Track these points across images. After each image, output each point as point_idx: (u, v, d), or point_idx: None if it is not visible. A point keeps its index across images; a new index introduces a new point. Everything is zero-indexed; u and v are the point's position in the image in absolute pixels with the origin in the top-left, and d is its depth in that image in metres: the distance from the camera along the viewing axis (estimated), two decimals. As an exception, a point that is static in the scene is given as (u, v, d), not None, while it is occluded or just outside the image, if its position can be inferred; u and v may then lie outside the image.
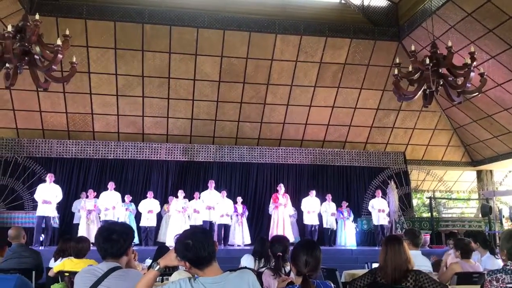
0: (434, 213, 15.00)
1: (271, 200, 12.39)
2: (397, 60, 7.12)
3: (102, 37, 12.37)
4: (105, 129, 13.99)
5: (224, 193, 12.27)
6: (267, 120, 14.55)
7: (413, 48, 6.85)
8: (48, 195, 10.73)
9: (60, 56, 5.47)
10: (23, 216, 12.04)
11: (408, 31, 12.87)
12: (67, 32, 5.74)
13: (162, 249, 5.03)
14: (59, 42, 5.48)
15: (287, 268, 3.98)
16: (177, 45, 12.72)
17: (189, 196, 12.37)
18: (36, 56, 5.51)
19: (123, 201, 11.93)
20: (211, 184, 12.12)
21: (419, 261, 4.38)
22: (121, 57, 12.79)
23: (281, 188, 12.39)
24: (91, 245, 4.90)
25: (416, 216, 15.79)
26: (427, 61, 6.32)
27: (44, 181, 11.27)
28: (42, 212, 10.61)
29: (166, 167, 13.81)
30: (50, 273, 4.73)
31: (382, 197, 13.01)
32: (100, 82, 13.14)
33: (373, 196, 13.36)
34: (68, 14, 11.85)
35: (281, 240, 4.37)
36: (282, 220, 12.02)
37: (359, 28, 13.27)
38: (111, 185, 11.72)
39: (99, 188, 12.24)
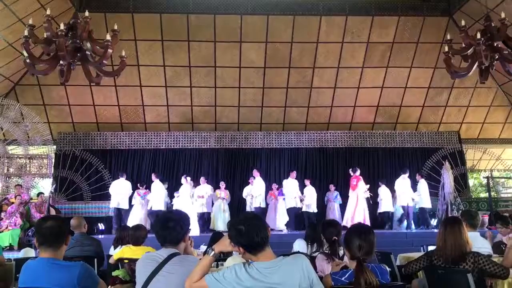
0: (492, 193, 14.39)
1: (354, 184, 12.00)
2: (448, 36, 6.83)
3: (149, 30, 12.61)
4: (156, 120, 14.34)
5: (294, 173, 12.29)
6: (314, 104, 14.40)
7: (463, 23, 6.52)
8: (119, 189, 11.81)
9: (110, 50, 5.61)
10: (82, 206, 12.67)
11: (459, 4, 12.32)
12: (116, 27, 5.87)
13: (217, 235, 5.12)
14: (108, 37, 5.61)
15: (341, 252, 3.96)
16: (222, 33, 12.78)
17: (241, 183, 12.74)
18: (87, 52, 5.68)
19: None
20: (256, 173, 12.23)
21: (478, 242, 4.24)
22: (168, 49, 13.00)
23: (357, 170, 12.14)
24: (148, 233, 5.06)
25: (473, 197, 15.25)
26: (478, 35, 6.04)
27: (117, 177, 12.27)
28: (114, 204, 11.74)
29: (216, 155, 14.00)
30: (111, 260, 4.92)
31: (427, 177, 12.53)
32: (149, 74, 13.45)
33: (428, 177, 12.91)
34: (116, 9, 12.19)
35: (333, 224, 4.36)
36: (359, 203, 11.84)
37: (407, 4, 12.84)
38: (153, 176, 11.99)
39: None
